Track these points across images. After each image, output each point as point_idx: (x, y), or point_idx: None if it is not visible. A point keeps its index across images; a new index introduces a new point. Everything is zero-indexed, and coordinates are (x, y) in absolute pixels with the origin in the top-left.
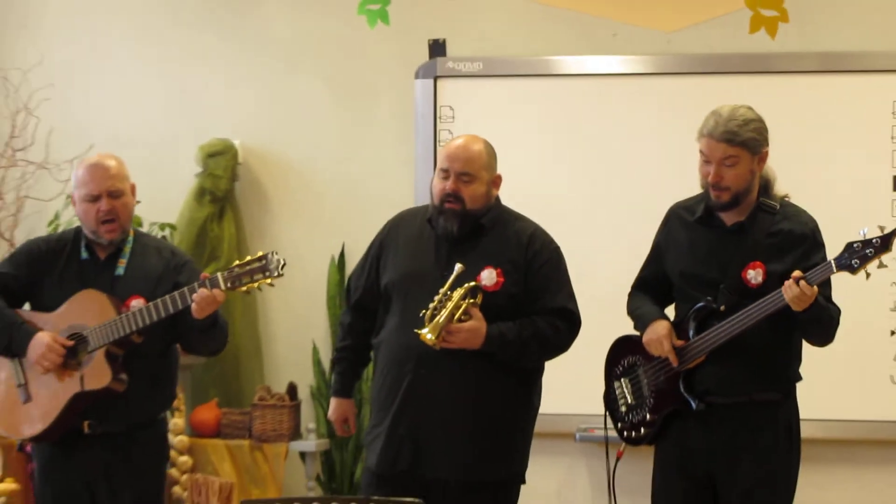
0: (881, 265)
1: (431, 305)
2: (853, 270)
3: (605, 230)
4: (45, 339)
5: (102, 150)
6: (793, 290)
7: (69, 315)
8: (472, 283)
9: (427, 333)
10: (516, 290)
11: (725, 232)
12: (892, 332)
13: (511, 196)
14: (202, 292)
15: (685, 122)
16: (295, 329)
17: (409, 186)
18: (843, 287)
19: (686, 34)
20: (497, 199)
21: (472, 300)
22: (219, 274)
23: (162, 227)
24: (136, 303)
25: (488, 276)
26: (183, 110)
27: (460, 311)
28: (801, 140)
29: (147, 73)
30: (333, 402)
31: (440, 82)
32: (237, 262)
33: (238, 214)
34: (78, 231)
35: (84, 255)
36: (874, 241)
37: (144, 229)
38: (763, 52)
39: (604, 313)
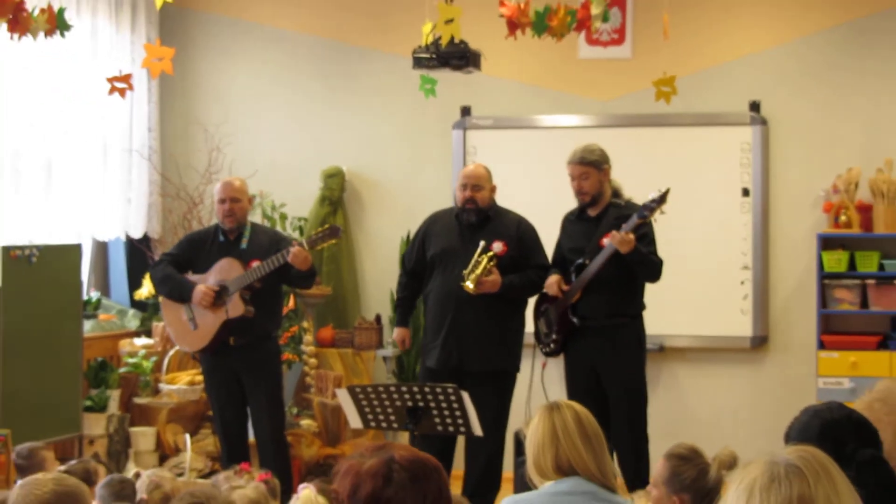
0: (662, 212)
1: (468, 268)
2: (646, 218)
3: (557, 224)
4: (202, 288)
5: (263, 174)
6: (616, 237)
7: (216, 274)
8: (491, 252)
9: (469, 284)
10: (514, 254)
11: (591, 220)
12: (742, 282)
13: (511, 199)
14: (295, 250)
15: (613, 158)
16: (380, 280)
17: (448, 196)
18: (712, 241)
19: (615, 102)
20: (494, 200)
21: (491, 262)
22: (304, 239)
23: (299, 219)
24: (256, 264)
25: (498, 247)
26: (312, 147)
27: (485, 268)
28: (683, 167)
29: (290, 122)
30: (396, 330)
31: (468, 132)
32: (314, 231)
33: (345, 212)
34: (217, 225)
35: (221, 238)
36: (657, 197)
37: (288, 222)
38: (662, 113)
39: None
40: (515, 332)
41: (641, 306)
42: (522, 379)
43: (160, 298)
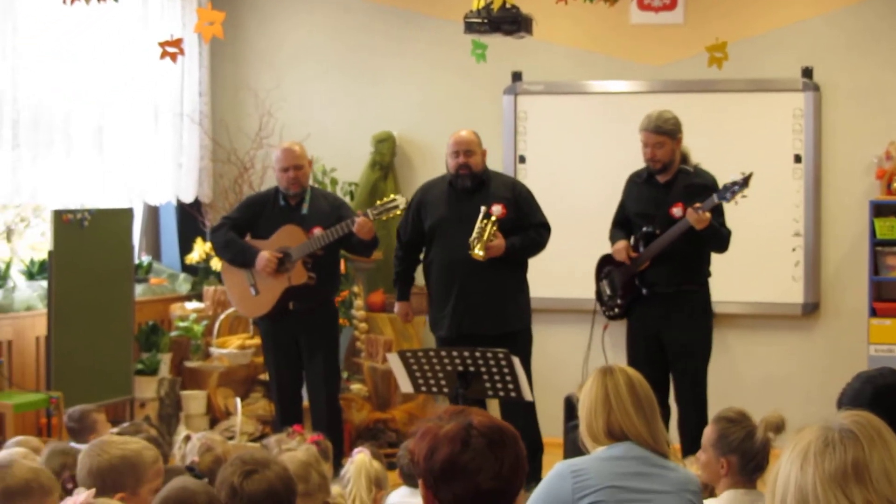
0: (744, 196)
1: (474, 236)
2: (727, 200)
3: (615, 189)
4: (266, 254)
5: (313, 139)
6: (693, 215)
7: (278, 240)
8: (493, 217)
9: (478, 251)
10: (513, 215)
11: (660, 186)
12: (793, 249)
13: (561, 165)
14: (360, 220)
15: None
16: None
17: (499, 161)
18: (763, 208)
19: (667, 67)
20: (485, 164)
21: (494, 227)
22: (369, 210)
23: (350, 184)
24: (317, 231)
25: (497, 210)
26: (363, 112)
27: (490, 234)
28: (735, 133)
29: (340, 87)
30: (398, 304)
31: (519, 97)
32: (378, 202)
33: (396, 176)
34: (276, 188)
35: (281, 203)
36: (739, 180)
37: (339, 186)
38: (714, 79)
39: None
40: (522, 291)
41: (708, 274)
42: (577, 342)
43: (217, 263)
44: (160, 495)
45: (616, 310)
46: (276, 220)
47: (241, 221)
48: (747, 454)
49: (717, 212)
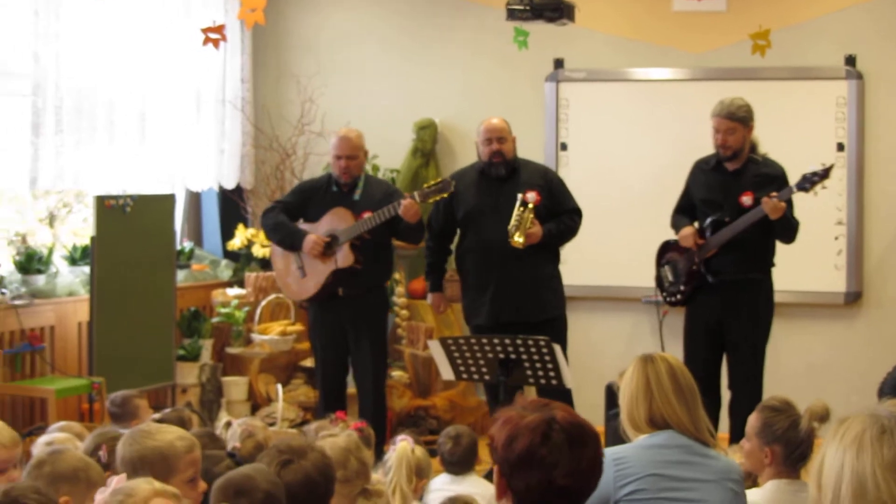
0: (824, 187)
1: (512, 224)
2: (806, 190)
3: (657, 177)
4: (313, 237)
5: (355, 125)
6: (769, 204)
7: (327, 224)
8: (529, 205)
9: (518, 238)
10: (547, 202)
11: (729, 174)
12: (836, 238)
13: (604, 153)
14: (406, 203)
15: (706, 110)
16: None
17: (540, 149)
18: (806, 197)
19: (709, 55)
20: (516, 151)
21: (531, 214)
22: (415, 192)
23: (391, 171)
24: (367, 215)
25: (532, 197)
26: (404, 99)
27: (528, 221)
28: (777, 121)
29: (382, 75)
30: (431, 296)
31: (560, 84)
32: (425, 184)
33: (437, 163)
34: (329, 174)
35: (334, 189)
36: (819, 171)
37: (381, 173)
38: (756, 66)
39: (662, 229)
40: (557, 278)
41: (772, 263)
42: (618, 330)
43: (260, 249)
44: (218, 482)
45: (678, 296)
46: (327, 205)
47: (292, 205)
48: (791, 443)
49: (788, 204)
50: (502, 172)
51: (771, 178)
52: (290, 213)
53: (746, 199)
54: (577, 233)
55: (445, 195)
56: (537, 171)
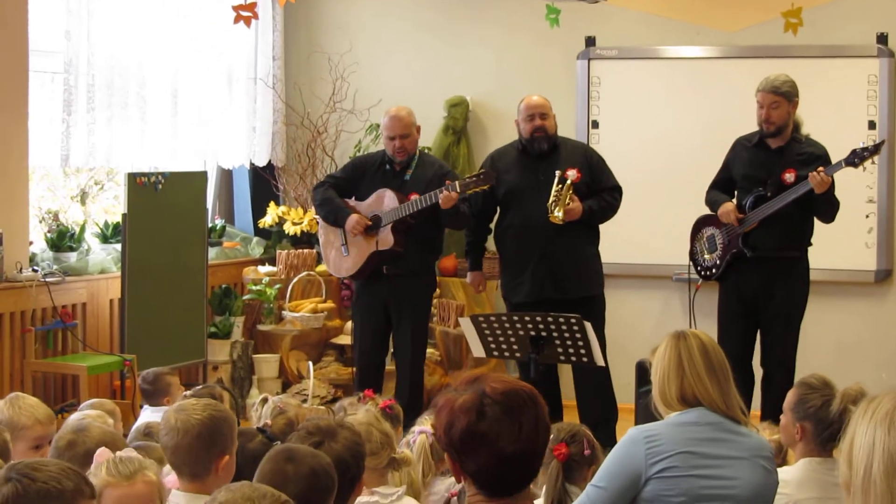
0: (873, 163)
1: (551, 200)
2: (855, 165)
3: (688, 155)
4: (356, 217)
5: (388, 103)
6: (816, 178)
7: (373, 204)
8: (568, 181)
9: (557, 214)
10: (587, 179)
11: (772, 151)
12: (867, 216)
13: (634, 131)
14: (444, 195)
15: (739, 88)
16: None
17: (572, 120)
18: (837, 174)
19: (741, 33)
20: (556, 128)
21: (570, 191)
22: (456, 182)
23: (423, 148)
24: (413, 197)
25: (572, 174)
26: (436, 77)
27: (567, 197)
28: (809, 99)
29: (414, 52)
30: (470, 274)
31: (592, 62)
32: (467, 175)
33: (468, 141)
34: (383, 152)
35: (387, 167)
36: (870, 147)
37: None
38: (789, 44)
39: (694, 206)
40: (597, 256)
41: (810, 242)
42: (649, 307)
43: (291, 226)
44: (271, 451)
45: (714, 270)
46: (378, 183)
47: (343, 182)
48: (822, 422)
49: (831, 181)
50: (545, 147)
51: (815, 156)
52: (341, 189)
53: (789, 177)
54: (617, 210)
55: (486, 187)
56: (577, 148)
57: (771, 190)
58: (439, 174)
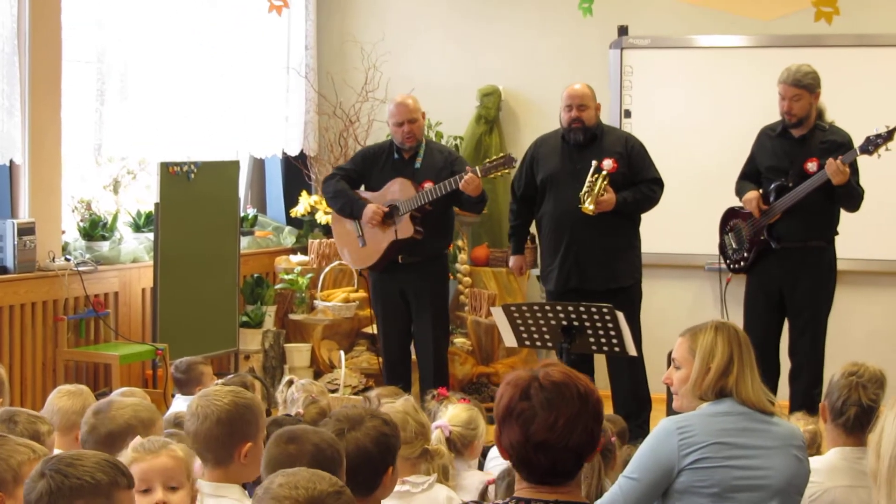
0: (888, 149)
1: (584, 190)
2: (870, 153)
3: (721, 145)
4: (373, 207)
5: (419, 92)
6: (832, 167)
7: (388, 193)
8: (603, 171)
9: (589, 206)
10: (625, 170)
11: (795, 140)
12: None
13: (667, 120)
14: (468, 177)
15: (772, 77)
16: None
17: (605, 110)
18: (873, 164)
19: (775, 22)
20: (599, 118)
21: (604, 181)
22: (478, 167)
23: (455, 138)
24: (428, 185)
25: (608, 164)
26: (469, 66)
27: (600, 188)
28: (844, 88)
29: (447, 42)
30: (512, 258)
31: (624, 52)
32: (488, 159)
33: (501, 131)
34: (391, 141)
35: (396, 156)
36: (883, 133)
37: (444, 140)
38: (823, 34)
39: (726, 196)
40: (633, 247)
41: (836, 232)
42: (683, 297)
43: (323, 216)
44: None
45: (742, 263)
46: (388, 172)
47: (353, 173)
48: (830, 398)
49: (853, 170)
50: (580, 138)
51: (838, 144)
52: (351, 180)
53: (812, 166)
54: (656, 202)
55: (507, 171)
56: (619, 138)
57: (793, 180)
58: (449, 160)
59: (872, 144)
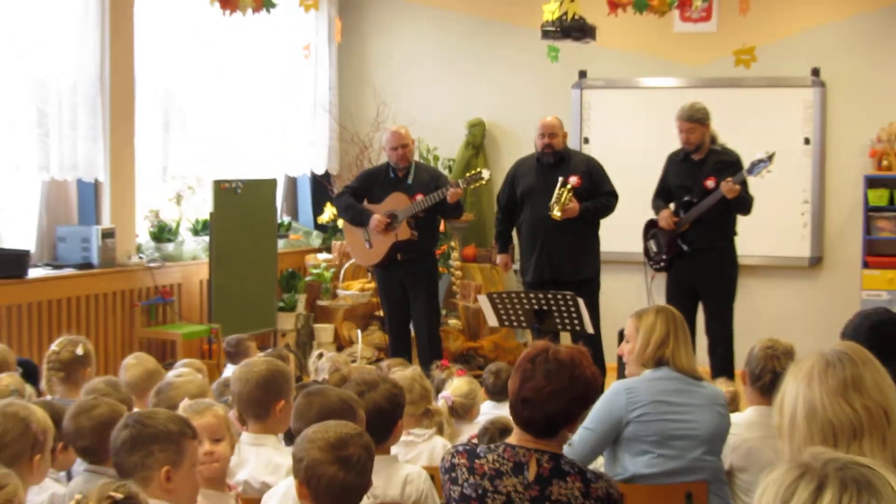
0: (769, 171)
1: (553, 200)
2: (754, 175)
3: (659, 167)
4: (378, 216)
5: (419, 123)
6: (726, 186)
7: (388, 205)
8: (569, 185)
9: (556, 213)
10: (587, 185)
11: (694, 163)
12: (802, 213)
13: (619, 147)
14: (453, 191)
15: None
16: None
17: (568, 139)
18: (779, 180)
19: (703, 67)
20: (566, 144)
21: (570, 193)
22: (460, 180)
23: (448, 160)
24: (419, 197)
25: (573, 180)
26: (459, 102)
27: (566, 199)
28: (757, 120)
29: (441, 83)
30: (499, 256)
31: (584, 91)
32: (467, 174)
33: (485, 154)
34: (387, 163)
35: (391, 175)
36: (764, 158)
37: (440, 162)
38: (740, 77)
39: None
40: (594, 246)
41: (735, 233)
42: (628, 286)
43: (341, 222)
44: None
45: (662, 264)
46: (386, 188)
47: (359, 190)
48: (749, 365)
49: (743, 182)
50: (551, 161)
51: (728, 163)
52: (357, 195)
53: (710, 183)
54: (611, 210)
55: (481, 183)
56: (582, 159)
57: (696, 195)
58: (434, 177)
59: (757, 168)
